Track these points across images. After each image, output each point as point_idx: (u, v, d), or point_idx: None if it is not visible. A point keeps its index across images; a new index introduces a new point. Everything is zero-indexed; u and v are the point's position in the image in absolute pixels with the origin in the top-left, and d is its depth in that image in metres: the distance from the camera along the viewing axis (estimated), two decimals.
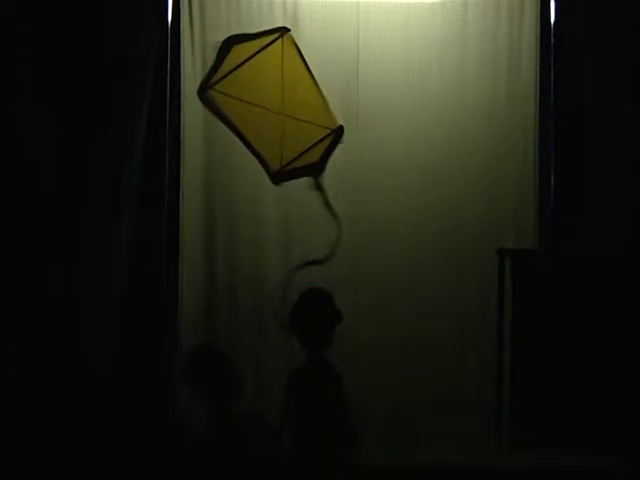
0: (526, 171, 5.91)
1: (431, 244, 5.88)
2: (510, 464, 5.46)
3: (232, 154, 5.91)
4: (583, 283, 5.51)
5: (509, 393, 5.57)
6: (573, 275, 5.53)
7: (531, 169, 5.91)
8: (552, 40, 5.86)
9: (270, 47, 5.91)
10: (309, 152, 5.90)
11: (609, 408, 5.44)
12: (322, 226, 5.86)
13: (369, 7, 5.89)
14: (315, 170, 5.90)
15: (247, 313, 5.83)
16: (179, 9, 5.90)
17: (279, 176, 5.91)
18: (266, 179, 5.90)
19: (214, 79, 5.91)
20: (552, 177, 5.87)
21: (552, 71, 5.87)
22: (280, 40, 5.91)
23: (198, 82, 5.92)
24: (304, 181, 5.91)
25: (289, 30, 5.90)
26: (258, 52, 5.91)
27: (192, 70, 5.92)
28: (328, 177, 5.88)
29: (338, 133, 5.91)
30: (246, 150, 5.90)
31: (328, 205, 5.86)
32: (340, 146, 5.89)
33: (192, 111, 5.90)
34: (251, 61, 5.91)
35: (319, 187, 5.87)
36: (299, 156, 5.90)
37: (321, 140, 5.91)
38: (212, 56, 5.90)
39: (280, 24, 5.91)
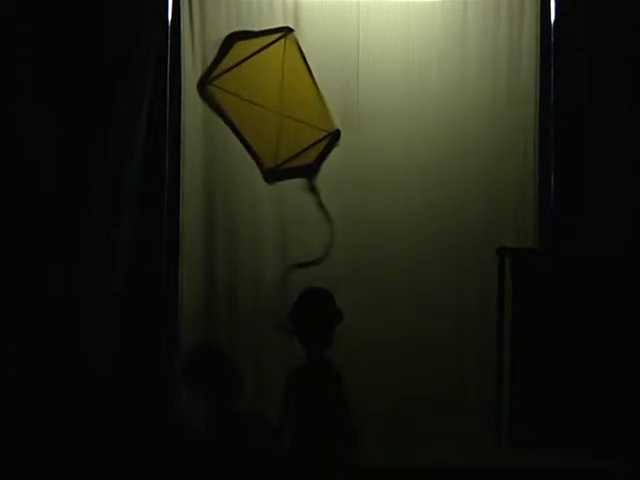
0: (526, 171, 5.91)
1: (431, 244, 5.88)
2: (510, 464, 5.46)
3: (232, 154, 5.91)
4: (583, 283, 5.50)
5: (509, 393, 5.56)
6: (573, 274, 5.53)
7: (531, 169, 5.91)
8: (552, 40, 5.87)
9: (272, 46, 5.91)
10: (304, 153, 5.90)
11: (609, 408, 5.43)
12: (322, 226, 5.86)
13: (369, 7, 5.89)
14: (309, 171, 5.90)
15: (247, 313, 5.83)
16: (179, 9, 5.91)
17: (273, 175, 5.91)
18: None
19: (214, 74, 5.91)
20: (552, 177, 5.87)
21: (552, 71, 5.87)
22: (283, 40, 5.91)
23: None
24: (304, 182, 5.91)
25: (292, 30, 5.90)
26: (260, 50, 5.91)
27: (192, 70, 5.92)
28: (328, 177, 5.88)
29: (335, 136, 5.91)
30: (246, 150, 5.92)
31: (322, 206, 5.86)
32: (340, 146, 5.90)
33: (192, 111, 5.91)
34: (252, 59, 5.91)
35: (313, 188, 5.87)
36: (294, 156, 5.90)
37: (317, 142, 5.91)
38: (212, 54, 5.91)
39: (280, 23, 5.91)
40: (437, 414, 5.76)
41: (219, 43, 5.90)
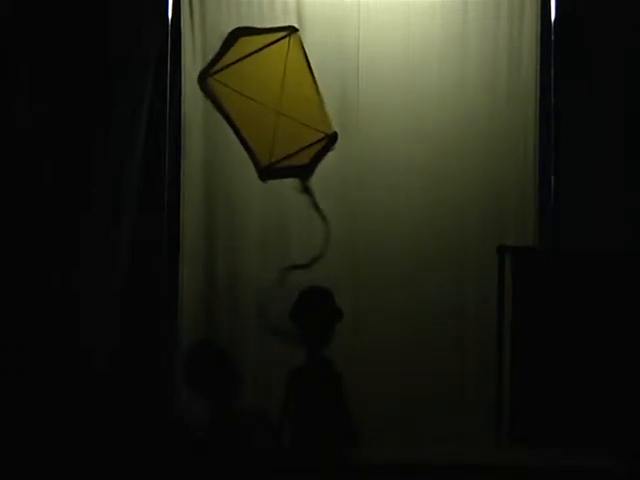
0: (526, 171, 5.90)
1: (431, 244, 5.88)
2: (510, 464, 5.46)
3: (232, 154, 5.91)
4: (583, 282, 5.50)
5: (509, 393, 5.56)
6: (573, 274, 5.53)
7: (531, 169, 5.90)
8: (552, 39, 5.87)
9: (276, 44, 5.91)
10: (300, 153, 5.90)
11: (609, 408, 5.43)
12: (323, 226, 5.86)
13: (369, 7, 5.89)
14: (304, 172, 5.90)
15: (247, 312, 5.83)
16: (179, 8, 5.91)
17: (267, 172, 5.90)
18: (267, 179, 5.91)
19: (216, 68, 5.91)
20: (552, 177, 5.87)
21: (552, 71, 5.87)
22: (287, 39, 5.91)
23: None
24: (304, 182, 5.90)
25: (297, 30, 5.90)
26: (263, 48, 5.91)
27: (193, 70, 5.92)
28: (328, 176, 5.88)
29: (332, 139, 5.91)
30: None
31: (322, 205, 5.86)
32: (340, 145, 5.89)
33: (192, 111, 5.90)
34: (255, 56, 5.91)
35: (307, 189, 5.87)
36: (289, 156, 5.90)
37: (314, 143, 5.91)
38: (213, 54, 5.90)
39: (281, 23, 5.91)
40: (437, 414, 5.75)
41: (219, 43, 5.90)
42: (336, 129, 5.91)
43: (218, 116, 5.92)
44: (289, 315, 5.15)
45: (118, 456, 5.39)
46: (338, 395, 5.05)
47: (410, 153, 5.89)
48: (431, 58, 5.91)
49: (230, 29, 5.91)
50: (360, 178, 5.89)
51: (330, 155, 5.91)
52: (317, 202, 5.87)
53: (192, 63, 5.93)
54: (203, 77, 5.91)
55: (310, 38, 5.91)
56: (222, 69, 5.91)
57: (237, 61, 5.91)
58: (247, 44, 5.91)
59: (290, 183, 5.91)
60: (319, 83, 5.90)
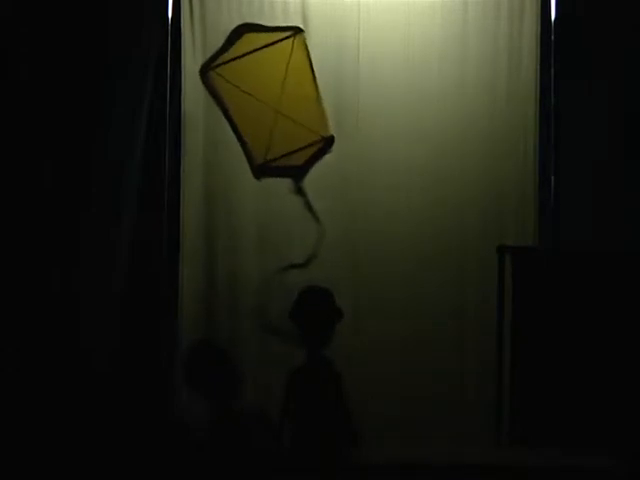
0: (526, 171, 5.90)
1: (431, 244, 5.88)
2: (510, 464, 5.46)
3: (232, 154, 5.91)
4: (583, 282, 5.50)
5: (509, 393, 5.56)
6: (573, 274, 5.53)
7: (531, 169, 5.90)
8: (552, 39, 5.87)
9: (280, 44, 5.91)
10: (295, 154, 5.90)
11: (609, 408, 5.43)
12: (323, 226, 5.85)
13: (369, 7, 5.89)
14: (297, 173, 5.90)
15: (247, 312, 5.83)
16: (179, 8, 5.91)
17: (261, 170, 5.90)
18: (267, 179, 5.90)
19: (219, 61, 5.91)
20: (552, 177, 5.87)
21: (552, 71, 5.87)
22: (292, 39, 5.91)
23: (198, 82, 5.93)
24: (305, 181, 5.90)
25: (302, 31, 5.90)
26: (267, 46, 5.91)
27: (193, 70, 5.92)
28: (329, 176, 5.88)
29: (328, 142, 5.90)
30: None
31: (310, 207, 5.86)
32: (340, 145, 5.89)
33: (192, 111, 5.90)
34: (258, 53, 5.91)
35: (300, 190, 5.87)
36: (284, 155, 5.90)
37: (310, 145, 5.91)
38: (214, 51, 5.91)
39: (281, 23, 5.91)
40: (437, 414, 5.75)
41: (220, 43, 5.90)
42: (336, 129, 5.91)
43: (218, 116, 5.92)
44: (289, 315, 5.15)
45: (118, 456, 5.39)
46: (338, 395, 5.05)
47: (410, 153, 5.89)
48: (431, 58, 5.91)
49: (230, 29, 5.91)
50: (360, 178, 5.89)
51: (330, 155, 5.91)
52: (311, 203, 5.87)
53: (192, 63, 5.93)
54: (205, 70, 5.91)
55: (310, 38, 5.91)
56: (224, 63, 5.91)
57: (240, 57, 5.91)
58: (251, 41, 5.92)
59: (289, 183, 5.90)
60: (319, 83, 5.90)
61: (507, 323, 5.58)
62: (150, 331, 5.73)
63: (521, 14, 5.92)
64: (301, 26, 5.91)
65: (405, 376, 5.79)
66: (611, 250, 5.60)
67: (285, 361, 5.42)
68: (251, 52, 5.91)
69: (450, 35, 5.91)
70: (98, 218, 5.78)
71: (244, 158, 5.92)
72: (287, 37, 5.92)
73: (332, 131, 5.90)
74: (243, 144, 5.91)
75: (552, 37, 5.87)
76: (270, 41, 5.92)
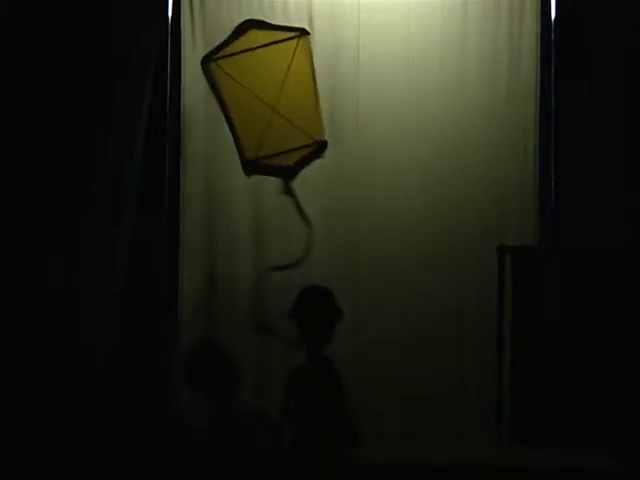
0: (526, 171, 5.90)
1: (431, 244, 5.87)
2: (510, 464, 5.45)
3: (232, 154, 5.91)
4: (583, 282, 5.50)
5: (509, 393, 5.56)
6: (573, 274, 5.53)
7: (531, 169, 5.90)
8: (552, 39, 5.87)
9: (284, 43, 5.91)
10: (287, 154, 5.90)
11: (609, 408, 5.43)
12: (323, 225, 5.86)
13: (369, 6, 5.89)
14: (287, 174, 5.89)
15: (247, 312, 5.82)
16: (180, 8, 5.91)
17: (251, 166, 5.90)
18: (267, 179, 5.90)
19: (221, 53, 5.91)
20: (552, 177, 5.87)
21: (552, 71, 5.87)
22: (296, 40, 5.91)
23: (199, 82, 5.93)
24: (305, 181, 5.91)
25: (308, 33, 5.90)
26: (271, 44, 5.91)
27: (193, 69, 5.92)
28: (328, 176, 5.88)
29: (321, 146, 5.90)
30: None
31: (300, 208, 5.86)
32: (340, 146, 5.89)
33: (192, 110, 5.90)
34: (261, 50, 5.91)
35: (288, 190, 5.87)
36: (276, 154, 5.90)
37: (302, 147, 5.90)
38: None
39: (281, 23, 5.91)
40: (437, 414, 5.75)
41: (219, 44, 5.91)
42: (336, 129, 5.91)
43: (219, 116, 5.92)
44: (289, 315, 5.15)
45: (118, 456, 5.39)
46: (338, 395, 5.05)
47: (410, 153, 5.89)
48: (431, 58, 5.91)
49: (230, 29, 5.91)
50: (360, 178, 5.89)
51: (330, 155, 5.90)
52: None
53: (192, 63, 5.92)
54: (206, 60, 5.91)
55: (310, 37, 5.90)
56: (227, 56, 5.91)
57: (243, 51, 5.91)
58: (256, 37, 5.91)
59: (292, 183, 5.90)
60: (319, 82, 5.90)
61: (507, 323, 5.58)
62: (150, 331, 5.73)
63: (521, 14, 5.92)
64: (301, 26, 5.91)
65: (405, 376, 5.78)
66: (611, 250, 5.61)
67: (285, 361, 5.43)
68: (254, 48, 5.92)
69: (450, 35, 5.91)
70: (98, 218, 5.78)
71: None
72: (292, 37, 5.92)
73: (326, 137, 5.89)
74: (235, 137, 5.91)
75: (552, 37, 5.87)
76: (274, 39, 5.92)
